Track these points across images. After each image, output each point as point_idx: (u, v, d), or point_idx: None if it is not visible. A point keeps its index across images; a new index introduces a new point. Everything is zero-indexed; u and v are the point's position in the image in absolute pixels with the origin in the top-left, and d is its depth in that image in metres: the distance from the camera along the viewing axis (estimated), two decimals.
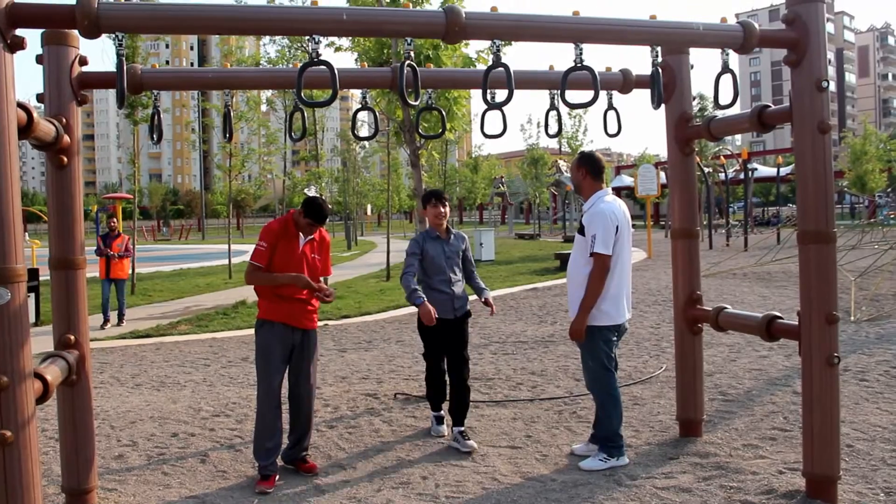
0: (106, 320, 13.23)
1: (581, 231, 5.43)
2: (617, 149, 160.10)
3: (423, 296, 5.94)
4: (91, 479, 4.87)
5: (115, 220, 14.55)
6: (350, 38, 7.47)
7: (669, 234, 6.06)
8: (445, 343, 6.13)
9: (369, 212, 57.87)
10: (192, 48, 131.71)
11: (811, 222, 4.54)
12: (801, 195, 4.60)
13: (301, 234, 5.39)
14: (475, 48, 7.39)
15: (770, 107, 4.90)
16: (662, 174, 35.01)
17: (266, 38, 20.27)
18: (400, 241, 39.19)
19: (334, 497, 4.96)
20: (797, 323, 4.70)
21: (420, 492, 5.00)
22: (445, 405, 6.33)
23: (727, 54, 4.49)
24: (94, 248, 13.33)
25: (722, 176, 36.10)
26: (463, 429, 5.97)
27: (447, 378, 6.24)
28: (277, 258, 5.30)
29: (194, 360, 9.85)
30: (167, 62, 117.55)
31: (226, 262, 23.16)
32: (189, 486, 5.26)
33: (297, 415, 5.49)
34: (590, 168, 5.51)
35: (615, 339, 5.51)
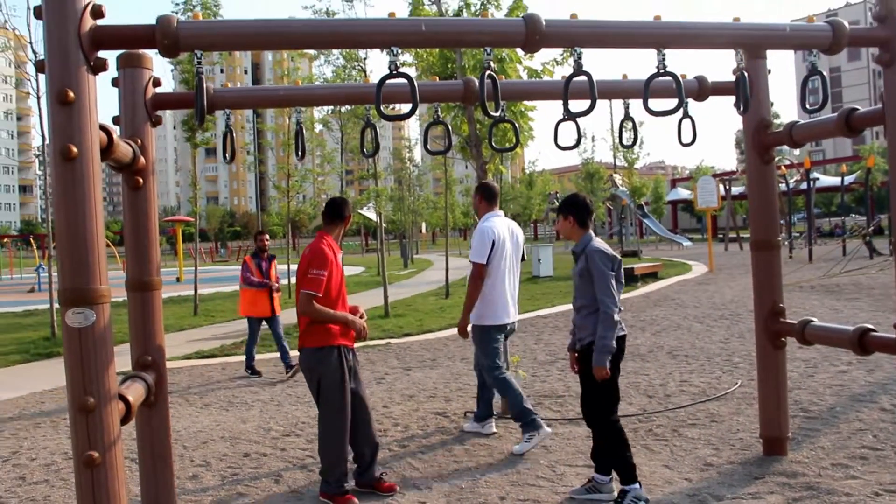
0: (256, 372, 10.05)
1: None
2: (671, 161, 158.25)
3: (573, 337, 5.23)
4: (171, 500, 4.85)
5: (266, 236, 10.70)
6: (413, 52, 7.43)
7: (749, 246, 5.87)
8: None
9: (424, 230, 57.98)
10: (245, 72, 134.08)
11: None
12: None
13: (337, 252, 5.38)
14: (540, 60, 7.30)
15: (858, 109, 4.70)
16: (721, 186, 34.42)
17: (321, 59, 20.39)
18: (455, 258, 39.17)
19: None
20: (895, 336, 4.48)
21: None
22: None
23: (815, 56, 4.33)
24: (242, 274, 10.06)
25: (783, 186, 35.31)
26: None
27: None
28: (332, 283, 5.26)
29: (260, 379, 9.87)
30: (221, 86, 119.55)
31: (283, 281, 23.32)
32: None
33: (367, 433, 5.41)
34: (484, 195, 6.58)
35: (500, 337, 6.48)
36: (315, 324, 5.21)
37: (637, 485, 4.84)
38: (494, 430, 6.58)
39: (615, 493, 5.02)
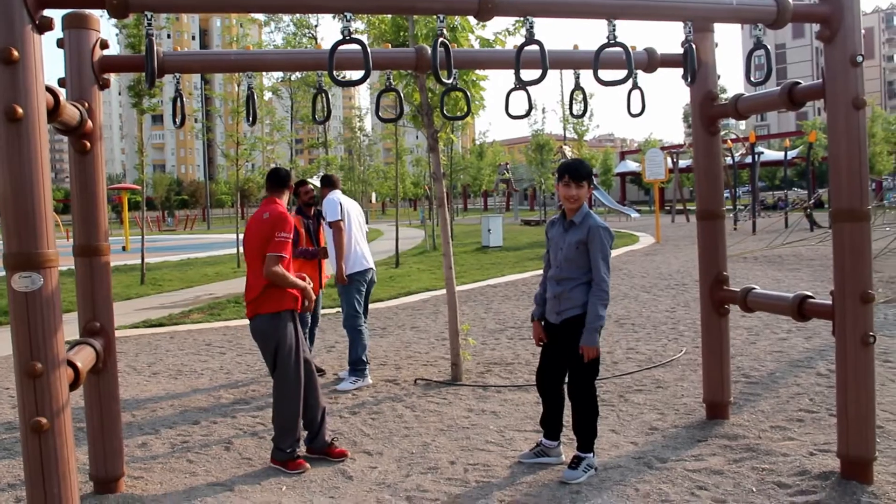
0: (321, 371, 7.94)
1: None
2: (620, 134, 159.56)
3: (538, 308, 5.17)
4: (119, 467, 4.84)
5: (309, 186, 8.04)
6: (365, 20, 7.38)
7: (695, 216, 6.01)
8: (551, 354, 5.12)
9: (373, 200, 57.69)
10: (193, 38, 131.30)
11: (845, 200, 4.47)
12: (835, 173, 4.52)
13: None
14: (492, 30, 7.33)
15: (800, 84, 4.82)
16: (668, 159, 34.86)
17: (272, 26, 20.08)
18: (405, 228, 39.16)
19: (363, 483, 4.92)
20: (830, 302, 4.64)
21: (449, 476, 4.96)
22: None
23: (761, 30, 4.42)
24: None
25: (728, 160, 35.90)
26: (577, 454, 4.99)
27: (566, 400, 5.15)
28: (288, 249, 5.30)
29: (209, 348, 9.82)
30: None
31: (233, 251, 23.09)
32: (215, 473, 5.22)
33: (316, 397, 5.43)
34: (325, 184, 8.00)
35: (364, 286, 7.86)
36: (271, 288, 5.20)
37: (592, 454, 4.95)
38: (370, 380, 7.59)
39: (562, 457, 5.13)
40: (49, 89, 3.62)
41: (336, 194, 7.87)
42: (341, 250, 7.62)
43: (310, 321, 8.01)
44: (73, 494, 3.54)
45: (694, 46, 4.34)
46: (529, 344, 9.12)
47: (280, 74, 23.60)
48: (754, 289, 5.46)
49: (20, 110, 3.29)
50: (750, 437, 5.45)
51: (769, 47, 4.39)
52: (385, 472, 5.09)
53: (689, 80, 4.48)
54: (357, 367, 7.50)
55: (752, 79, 4.47)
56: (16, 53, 3.27)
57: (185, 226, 64.10)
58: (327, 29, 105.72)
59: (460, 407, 6.57)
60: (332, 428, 6.00)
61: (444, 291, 12.13)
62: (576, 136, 38.97)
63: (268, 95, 27.68)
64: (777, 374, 7.19)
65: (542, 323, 5.14)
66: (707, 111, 5.63)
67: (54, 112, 3.71)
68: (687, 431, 5.67)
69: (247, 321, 11.18)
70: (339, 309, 12.39)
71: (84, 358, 4.09)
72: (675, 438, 5.53)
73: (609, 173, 58.23)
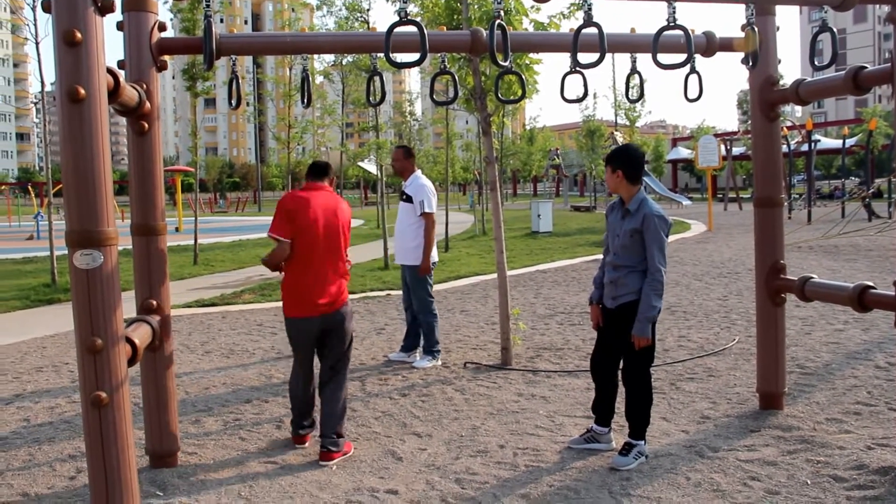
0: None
1: (408, 200, 7.65)
2: (672, 120, 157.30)
3: (596, 291, 5.13)
4: (173, 443, 4.93)
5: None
6: (419, 2, 7.37)
7: (752, 203, 5.89)
8: (606, 339, 5.10)
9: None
10: (246, 22, 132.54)
11: None
12: None
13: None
14: (546, 13, 7.26)
15: (866, 68, 4.68)
16: (722, 146, 34.27)
17: (324, 10, 20.07)
18: (455, 213, 39.15)
19: (412, 464, 4.94)
20: (893, 293, 4.52)
21: (498, 460, 4.96)
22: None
23: (825, 12, 4.30)
24: None
25: (784, 147, 35.17)
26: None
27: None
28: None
29: (261, 328, 9.94)
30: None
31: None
32: (267, 451, 5.29)
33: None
34: (408, 155, 7.84)
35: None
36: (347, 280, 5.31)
37: (643, 441, 4.91)
38: (418, 357, 7.78)
39: (612, 444, 5.10)
40: (109, 71, 3.66)
41: (424, 179, 7.73)
42: (431, 242, 7.62)
43: None
44: (130, 467, 3.62)
45: (756, 29, 4.24)
46: (580, 329, 9.07)
47: (331, 58, 23.67)
48: (812, 278, 5.35)
49: (82, 91, 3.34)
50: (805, 428, 5.36)
51: (834, 30, 4.27)
52: (434, 455, 5.11)
53: (751, 63, 4.39)
54: (433, 348, 7.68)
55: (815, 63, 4.35)
56: (79, 35, 3.32)
57: (236, 208, 64.85)
58: (379, 13, 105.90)
59: (510, 391, 6.56)
60: (383, 409, 6.07)
61: (493, 276, 12.11)
62: (627, 122, 38.43)
63: (319, 79, 27.79)
64: (833, 365, 7.04)
65: (600, 307, 5.09)
66: (767, 96, 5.51)
67: (114, 93, 3.77)
68: (739, 421, 5.59)
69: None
70: (387, 292, 12.54)
71: (141, 335, 4.16)
72: (727, 428, 5.46)
73: (661, 160, 57.41)
